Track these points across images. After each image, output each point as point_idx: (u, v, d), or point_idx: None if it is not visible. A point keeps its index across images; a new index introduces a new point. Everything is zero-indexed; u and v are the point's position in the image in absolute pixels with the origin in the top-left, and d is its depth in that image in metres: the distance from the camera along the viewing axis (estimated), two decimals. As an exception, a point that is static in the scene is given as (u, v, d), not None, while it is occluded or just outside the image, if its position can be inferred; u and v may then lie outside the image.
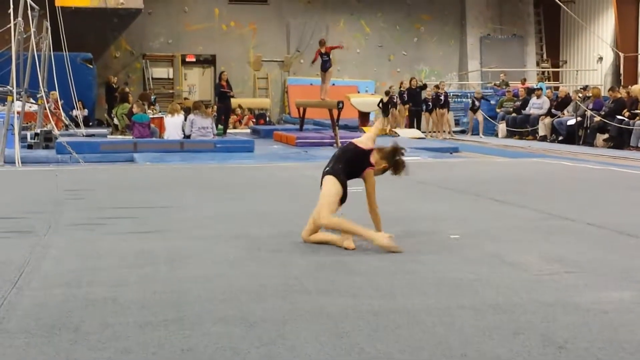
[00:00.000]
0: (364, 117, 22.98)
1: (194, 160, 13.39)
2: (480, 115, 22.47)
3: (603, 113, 17.19)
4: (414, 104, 23.02)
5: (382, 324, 3.48)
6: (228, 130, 21.20)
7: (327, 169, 5.47)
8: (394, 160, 5.52)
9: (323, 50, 18.43)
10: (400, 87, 23.95)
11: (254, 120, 27.40)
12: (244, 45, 29.07)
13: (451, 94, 25.13)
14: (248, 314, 3.64)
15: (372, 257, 4.99)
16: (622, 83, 23.20)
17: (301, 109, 20.39)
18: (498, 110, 22.99)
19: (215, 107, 20.96)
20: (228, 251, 5.19)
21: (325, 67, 18.61)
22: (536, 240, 5.52)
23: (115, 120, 19.86)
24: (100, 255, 5.06)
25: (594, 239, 5.60)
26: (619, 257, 4.92)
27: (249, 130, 24.11)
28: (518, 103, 21.88)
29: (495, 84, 26.78)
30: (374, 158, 5.49)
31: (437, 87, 23.35)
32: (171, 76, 29.06)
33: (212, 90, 27.16)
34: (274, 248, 5.30)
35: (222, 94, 20.80)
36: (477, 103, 22.57)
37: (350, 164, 5.44)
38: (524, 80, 25.29)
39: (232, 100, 22.36)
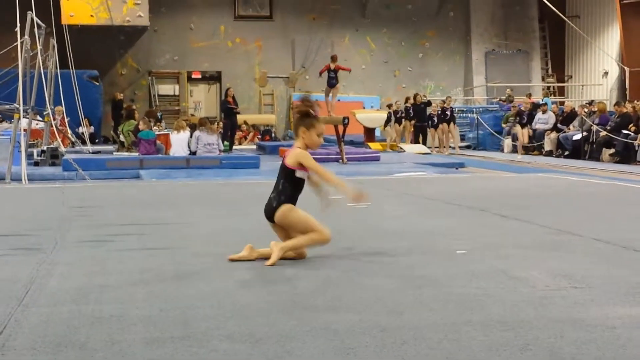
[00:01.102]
0: (370, 133, 23.03)
1: (199, 176, 13.41)
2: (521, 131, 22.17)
3: (609, 128, 17.18)
4: (419, 119, 23.04)
5: (388, 340, 3.47)
6: (234, 147, 21.24)
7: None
8: (304, 118, 5.37)
9: (332, 67, 18.50)
10: (406, 103, 23.98)
11: (260, 136, 27.44)
12: (249, 62, 29.17)
13: (456, 109, 25.15)
14: (254, 330, 3.64)
15: (379, 272, 4.99)
16: (627, 98, 23.18)
17: (307, 125, 20.40)
18: (503, 125, 22.99)
19: (221, 123, 21.00)
20: (234, 267, 5.19)
21: (332, 83, 18.67)
22: (543, 256, 5.51)
23: (122, 137, 19.93)
24: (107, 272, 5.06)
25: (600, 255, 5.59)
26: (626, 273, 4.91)
27: (254, 147, 24.14)
28: (524, 120, 21.86)
29: (501, 99, 26.80)
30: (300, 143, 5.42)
31: (443, 102, 23.38)
32: (177, 93, 29.17)
33: (217, 106, 27.26)
34: (280, 264, 5.29)
35: (229, 110, 20.86)
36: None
37: (284, 183, 5.42)
38: (529, 95, 25.30)
39: (238, 116, 22.42)
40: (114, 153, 18.56)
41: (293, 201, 5.37)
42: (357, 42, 29.77)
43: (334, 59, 18.85)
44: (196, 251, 5.85)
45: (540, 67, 30.99)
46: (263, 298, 4.30)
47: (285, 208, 5.34)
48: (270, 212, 5.44)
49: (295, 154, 5.33)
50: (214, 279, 4.82)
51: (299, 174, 5.37)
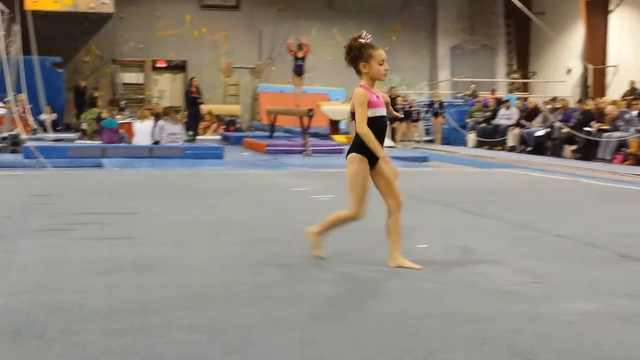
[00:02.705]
0: (335, 125, 23.02)
1: (163, 166, 13.33)
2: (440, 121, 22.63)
3: (571, 124, 17.37)
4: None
5: (349, 332, 3.48)
6: (198, 137, 21.13)
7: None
8: (358, 51, 4.97)
9: (300, 55, 18.46)
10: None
11: (224, 126, 27.33)
12: (215, 52, 29.01)
13: (422, 103, 25.24)
14: (216, 321, 3.63)
15: (341, 265, 5.00)
16: (590, 95, 23.45)
17: (272, 117, 20.39)
18: (468, 120, 23.15)
19: (186, 113, 20.89)
20: (197, 258, 5.17)
21: (299, 71, 18.63)
22: (504, 251, 5.56)
23: (84, 125, 19.71)
24: (67, 261, 5.01)
25: (560, 250, 5.65)
26: (585, 269, 4.97)
27: (219, 137, 24.04)
28: (488, 113, 22.04)
29: (466, 94, 26.96)
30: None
31: (403, 98, 23.44)
32: (141, 81, 28.93)
33: (182, 96, 27.07)
34: (242, 255, 5.29)
35: (192, 100, 20.75)
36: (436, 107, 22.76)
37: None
38: (493, 91, 25.49)
39: (202, 106, 22.31)
40: (76, 141, 18.36)
41: (361, 151, 4.85)
42: (324, 34, 29.74)
43: (300, 47, 18.80)
44: (158, 241, 5.82)
45: (505, 63, 31.21)
46: (225, 289, 4.29)
47: (348, 158, 4.93)
48: None
49: (354, 95, 4.87)
50: (175, 270, 4.80)
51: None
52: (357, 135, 4.88)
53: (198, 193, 9.37)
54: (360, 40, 4.98)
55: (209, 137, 23.96)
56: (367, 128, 4.78)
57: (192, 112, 20.80)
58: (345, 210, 5.05)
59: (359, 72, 4.98)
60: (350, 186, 4.96)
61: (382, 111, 4.88)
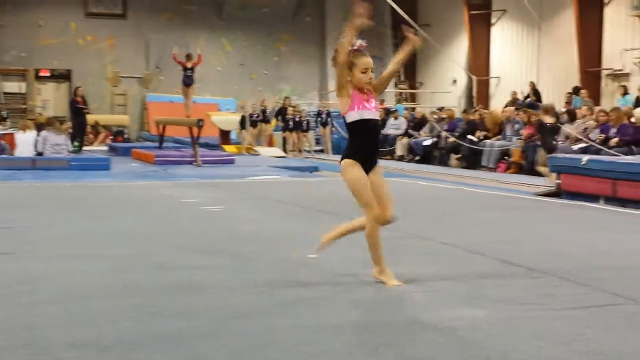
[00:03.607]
0: (225, 136, 22.91)
1: (47, 178, 12.95)
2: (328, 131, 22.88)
3: (457, 134, 17.81)
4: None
5: (239, 345, 3.45)
6: (84, 148, 20.64)
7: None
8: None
9: (189, 65, 18.26)
10: (261, 105, 24.07)
11: (112, 137, 26.79)
12: (101, 61, 28.42)
13: (311, 113, 25.41)
14: (102, 337, 3.54)
15: (231, 276, 4.96)
16: (474, 105, 24.12)
17: (161, 127, 20.11)
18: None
19: (71, 123, 20.38)
20: (83, 272, 5.03)
21: (188, 82, 18.45)
22: (392, 259, 5.61)
23: (-37, 136, 18.96)
24: (-57, 279, 4.80)
25: (446, 258, 5.77)
26: (471, 276, 5.08)
27: (106, 148, 23.55)
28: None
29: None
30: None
31: (293, 107, 23.55)
32: (24, 91, 28.04)
33: (67, 106, 26.39)
34: (130, 269, 5.18)
35: (78, 110, 20.27)
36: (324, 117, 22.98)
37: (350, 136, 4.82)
38: (382, 101, 25.89)
39: (89, 116, 21.82)
40: (-45, 152, 17.65)
41: (355, 156, 4.71)
42: (213, 43, 29.56)
43: (189, 57, 18.62)
44: (41, 255, 5.65)
45: (392, 74, 31.78)
46: (112, 304, 4.19)
47: (343, 164, 4.76)
48: None
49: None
50: (60, 285, 4.66)
51: (351, 116, 4.71)
52: (348, 139, 4.81)
53: (84, 205, 9.14)
54: (338, 50, 4.81)
55: (96, 148, 23.44)
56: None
57: (77, 123, 20.32)
58: (359, 219, 4.94)
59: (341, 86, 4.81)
60: (355, 193, 4.78)
61: (371, 114, 4.74)
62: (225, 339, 3.54)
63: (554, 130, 12.93)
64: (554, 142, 12.81)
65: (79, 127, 20.31)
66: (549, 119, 13.27)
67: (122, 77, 28.44)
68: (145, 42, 28.77)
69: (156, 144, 20.50)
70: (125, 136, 27.42)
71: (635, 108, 14.64)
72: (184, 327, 3.73)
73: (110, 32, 28.44)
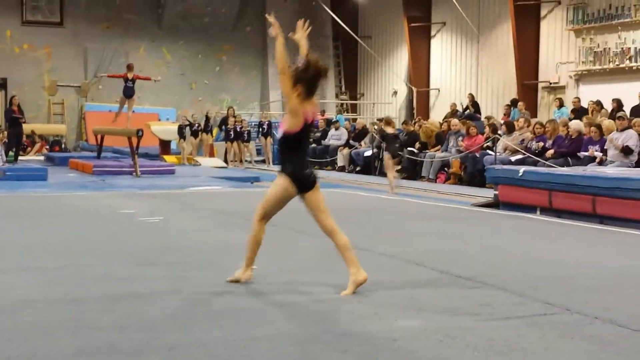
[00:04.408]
0: (165, 146, 22.71)
1: (-19, 188, 12.66)
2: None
3: (397, 145, 17.92)
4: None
5: (177, 358, 3.41)
6: (20, 158, 20.25)
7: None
8: (307, 71, 4.95)
9: (130, 76, 18.07)
10: (206, 115, 23.96)
11: (48, 147, 26.34)
12: (38, 69, 27.95)
13: (252, 123, 25.36)
14: (35, 352, 3.47)
15: (168, 288, 4.90)
16: (414, 116, 24.34)
17: (99, 137, 19.84)
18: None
19: (6, 133, 19.98)
20: (15, 285, 4.92)
21: (129, 93, 18.26)
22: (330, 270, 5.62)
23: None
24: None
25: (385, 269, 5.80)
26: (408, 286, 5.12)
27: (42, 158, 23.13)
28: (318, 134, 22.40)
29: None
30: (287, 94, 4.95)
31: (235, 118, 23.48)
32: (-43, 100, 27.43)
33: (2, 115, 25.86)
34: (66, 281, 5.09)
35: (13, 119, 19.89)
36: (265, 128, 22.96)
37: (284, 153, 5.02)
38: (323, 112, 25.96)
39: (25, 125, 21.42)
40: None
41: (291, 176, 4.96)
42: (153, 52, 29.31)
43: (130, 67, 18.42)
44: (-27, 269, 5.51)
45: (334, 85, 31.88)
46: (46, 318, 4.11)
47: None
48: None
49: None
50: (-9, 299, 4.55)
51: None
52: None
53: (18, 216, 8.96)
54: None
55: (32, 158, 23.01)
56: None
57: (13, 132, 19.92)
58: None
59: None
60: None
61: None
62: (160, 352, 3.50)
63: (395, 138, 14.45)
64: (397, 149, 14.41)
65: (15, 137, 19.91)
66: (390, 130, 14.45)
67: (60, 85, 27.99)
68: (84, 51, 28.39)
69: (94, 154, 20.22)
70: (63, 146, 26.98)
71: (570, 120, 14.93)
72: (119, 340, 3.68)
73: (48, 40, 27.98)
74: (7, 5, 27.65)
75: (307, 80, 4.92)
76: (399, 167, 15.20)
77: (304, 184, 4.94)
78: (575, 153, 13.31)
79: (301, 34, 5.04)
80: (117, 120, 18.34)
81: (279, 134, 5.02)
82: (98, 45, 28.15)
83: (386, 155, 14.33)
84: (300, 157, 4.96)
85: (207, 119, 23.70)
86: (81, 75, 28.36)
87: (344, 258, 4.95)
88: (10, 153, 18.31)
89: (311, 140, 4.97)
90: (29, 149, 25.40)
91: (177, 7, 29.24)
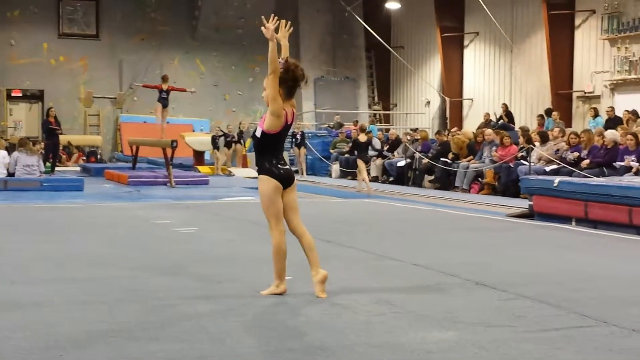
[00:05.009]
0: (199, 156, 22.86)
1: (18, 199, 12.83)
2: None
3: (430, 155, 17.88)
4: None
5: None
6: (57, 168, 20.50)
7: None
8: (287, 73, 5.17)
9: (165, 88, 18.22)
10: (240, 127, 24.08)
11: (85, 158, 26.63)
12: (74, 81, 28.30)
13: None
14: (70, 363, 3.49)
15: (203, 300, 4.92)
16: (448, 126, 24.25)
17: (134, 147, 20.03)
18: (331, 150, 23.47)
19: (43, 144, 20.24)
20: (49, 297, 4.97)
21: (164, 104, 18.42)
22: (365, 281, 5.62)
23: None
24: None
25: (419, 279, 5.77)
26: (443, 298, 5.09)
27: (78, 169, 23.40)
28: (351, 144, 22.40)
29: (329, 125, 27.35)
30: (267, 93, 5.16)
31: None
32: (-5, 111, 27.83)
33: (39, 126, 26.22)
34: (99, 292, 5.13)
35: (50, 130, 20.14)
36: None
37: (263, 152, 5.11)
38: (356, 122, 25.97)
39: (62, 137, 21.67)
40: None
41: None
42: (187, 64, 29.56)
43: (165, 79, 18.60)
44: (10, 279, 5.57)
45: (367, 95, 31.88)
46: (81, 328, 4.14)
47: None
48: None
49: None
50: (27, 309, 4.60)
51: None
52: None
53: (54, 227, 9.06)
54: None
55: (69, 169, 23.28)
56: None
57: (50, 143, 20.18)
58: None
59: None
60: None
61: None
62: (196, 363, 3.51)
63: (367, 146, 16.18)
64: (368, 155, 16.44)
65: (52, 148, 20.17)
66: (363, 138, 15.95)
67: (95, 97, 28.28)
68: (119, 63, 28.70)
69: (129, 165, 20.40)
70: (99, 157, 27.27)
71: (605, 130, 14.77)
72: (156, 351, 3.70)
73: (83, 52, 28.33)
74: (44, 18, 28.04)
75: (287, 82, 5.13)
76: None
77: (284, 180, 5.08)
78: (611, 163, 13.15)
79: (282, 34, 5.14)
80: (163, 130, 18.36)
81: (257, 132, 5.11)
82: (133, 57, 28.45)
83: (359, 161, 15.73)
84: (277, 155, 5.12)
85: (241, 130, 23.81)
86: (116, 87, 28.66)
87: (307, 257, 5.16)
88: (47, 164, 18.52)
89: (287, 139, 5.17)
90: (66, 159, 25.70)
91: (211, 19, 29.46)
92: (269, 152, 5.07)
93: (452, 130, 20.69)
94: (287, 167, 5.15)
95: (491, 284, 5.51)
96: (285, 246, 5.09)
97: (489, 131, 16.97)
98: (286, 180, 5.09)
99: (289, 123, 5.11)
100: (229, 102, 30.10)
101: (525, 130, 16.35)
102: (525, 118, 22.57)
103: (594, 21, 20.72)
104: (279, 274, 5.09)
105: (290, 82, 5.13)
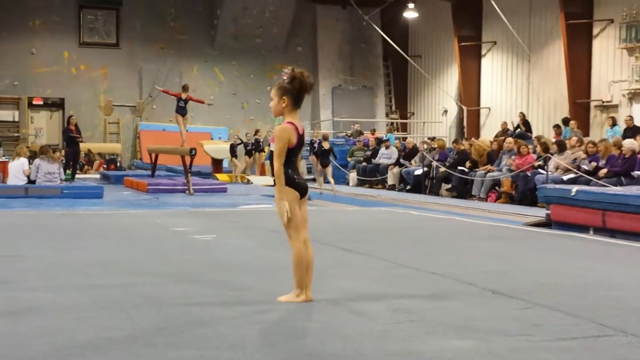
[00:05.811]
0: (217, 164, 22.96)
1: (39, 206, 12.95)
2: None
3: (447, 164, 17.88)
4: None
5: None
6: (77, 176, 20.64)
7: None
8: (293, 83, 5.18)
9: (184, 96, 18.34)
10: (255, 135, 24.16)
11: (105, 165, 26.81)
12: (94, 89, 28.53)
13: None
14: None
15: (221, 307, 4.96)
16: (465, 135, 24.24)
17: (153, 155, 20.15)
18: (349, 159, 23.50)
19: (64, 151, 20.40)
20: (70, 303, 5.02)
21: (182, 113, 18.54)
22: (382, 289, 5.64)
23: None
24: None
25: (436, 288, 5.78)
26: (460, 306, 5.10)
27: (98, 176, 23.56)
28: (368, 153, 22.44)
29: (347, 134, 27.39)
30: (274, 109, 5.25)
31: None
32: (17, 119, 28.09)
33: (60, 134, 26.44)
34: (119, 299, 5.18)
35: (71, 138, 20.29)
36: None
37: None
38: (373, 131, 26.00)
39: (82, 144, 21.83)
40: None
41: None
42: (206, 73, 29.74)
43: (185, 88, 18.73)
44: (30, 285, 5.63)
45: (384, 104, 31.93)
46: (102, 334, 4.18)
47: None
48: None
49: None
50: (49, 315, 4.65)
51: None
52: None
53: (74, 234, 9.13)
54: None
55: (89, 176, 23.44)
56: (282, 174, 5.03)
57: (70, 151, 20.34)
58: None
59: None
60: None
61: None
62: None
63: (329, 153, 18.09)
64: (329, 161, 18.13)
65: (72, 156, 20.32)
66: (326, 145, 17.80)
67: (115, 105, 28.52)
68: (139, 71, 28.91)
69: (149, 173, 20.52)
70: (118, 164, 27.45)
71: (623, 139, 14.73)
72: (175, 357, 3.74)
73: (104, 61, 28.57)
74: (65, 27, 28.30)
75: (292, 93, 5.15)
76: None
77: (302, 190, 5.14)
78: (629, 172, 13.12)
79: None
80: (184, 138, 18.46)
81: (272, 147, 5.16)
82: (152, 66, 28.65)
83: (319, 166, 17.91)
84: (294, 167, 5.16)
85: (257, 139, 23.90)
86: (136, 95, 28.87)
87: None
88: (68, 171, 18.66)
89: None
90: (87, 167, 25.89)
91: (230, 28, 29.62)
92: (286, 163, 5.09)
93: (470, 139, 20.67)
94: (303, 180, 5.22)
95: (509, 292, 5.52)
96: (305, 255, 5.11)
97: (508, 139, 16.95)
98: (303, 191, 5.12)
99: (300, 134, 5.16)
100: (247, 111, 30.23)
101: (541, 140, 16.32)
102: (542, 127, 22.54)
103: (612, 30, 20.67)
104: (299, 283, 5.12)
105: (295, 92, 5.15)
